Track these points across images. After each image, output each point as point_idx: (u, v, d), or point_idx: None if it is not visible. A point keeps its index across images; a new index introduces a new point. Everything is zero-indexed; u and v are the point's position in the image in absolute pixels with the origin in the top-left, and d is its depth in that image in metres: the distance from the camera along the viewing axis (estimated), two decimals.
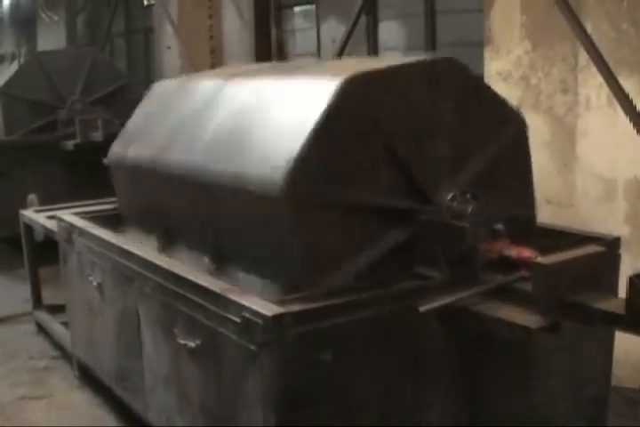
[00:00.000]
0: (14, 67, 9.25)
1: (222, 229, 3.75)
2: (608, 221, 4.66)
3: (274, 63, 4.27)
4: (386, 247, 3.35)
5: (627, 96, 4.12)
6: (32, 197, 7.61)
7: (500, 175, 3.68)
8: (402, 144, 3.36)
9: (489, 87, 3.80)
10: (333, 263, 3.24)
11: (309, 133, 3.17)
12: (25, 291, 6.49)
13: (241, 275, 3.61)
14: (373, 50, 7.38)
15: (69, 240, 4.89)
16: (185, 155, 3.99)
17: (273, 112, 3.60)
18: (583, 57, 4.63)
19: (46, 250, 5.79)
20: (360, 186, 3.29)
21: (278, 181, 3.15)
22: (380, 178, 3.35)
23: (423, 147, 3.44)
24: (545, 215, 4.02)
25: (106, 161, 4.87)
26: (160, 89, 4.98)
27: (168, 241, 4.21)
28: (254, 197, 3.32)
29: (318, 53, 8.33)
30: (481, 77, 3.72)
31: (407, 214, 3.39)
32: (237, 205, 3.52)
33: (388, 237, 3.37)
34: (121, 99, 8.95)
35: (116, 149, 4.80)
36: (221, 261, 3.78)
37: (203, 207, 3.84)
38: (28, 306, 6.46)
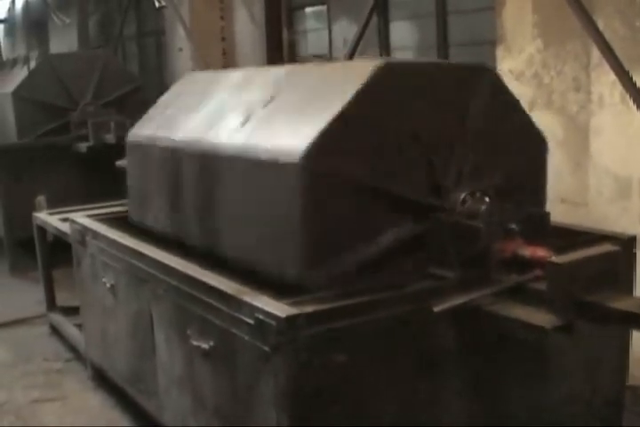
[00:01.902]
0: (26, 70, 9.25)
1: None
2: (623, 219, 4.63)
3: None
4: (398, 237, 3.34)
5: None
6: (40, 198, 7.62)
7: (516, 182, 3.69)
8: (426, 137, 3.37)
9: (517, 99, 3.80)
10: (341, 245, 3.22)
11: (339, 109, 3.19)
12: (39, 293, 6.50)
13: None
14: (385, 50, 7.36)
15: (83, 242, 4.90)
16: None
17: (304, 92, 3.63)
18: (595, 55, 4.61)
19: (60, 252, 5.80)
20: (380, 170, 3.29)
21: (299, 150, 3.16)
22: (402, 168, 3.35)
23: (447, 146, 3.45)
24: (559, 214, 4.00)
25: (119, 163, 4.87)
26: (190, 78, 4.99)
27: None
28: (274, 167, 3.31)
29: (330, 54, 8.32)
30: (509, 90, 3.73)
31: (422, 209, 3.38)
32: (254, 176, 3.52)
33: (401, 227, 3.35)
34: (133, 101, 8.96)
35: (146, 131, 4.76)
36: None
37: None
38: (42, 308, 6.48)
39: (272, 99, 3.76)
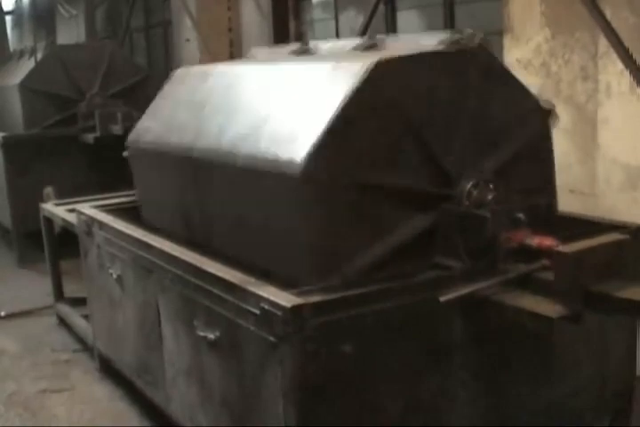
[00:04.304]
0: (33, 61, 9.25)
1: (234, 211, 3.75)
2: (632, 209, 4.61)
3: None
4: (405, 236, 3.31)
5: None
6: (49, 190, 7.63)
7: (522, 163, 3.66)
8: (426, 129, 3.33)
9: (513, 75, 3.76)
10: (348, 251, 3.20)
11: (333, 115, 3.14)
12: (47, 284, 6.51)
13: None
14: None
15: (89, 233, 4.90)
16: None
17: (296, 93, 3.61)
18: (603, 44, 4.58)
19: (68, 243, 5.80)
20: (383, 168, 3.25)
21: (297, 161, 3.13)
22: (405, 161, 3.31)
23: (448, 132, 3.41)
24: (567, 204, 3.98)
25: (126, 154, 4.86)
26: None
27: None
28: (272, 178, 3.29)
29: None
30: (505, 67, 3.68)
31: (430, 201, 3.36)
32: (252, 187, 3.51)
33: (408, 224, 3.33)
34: (140, 92, 8.94)
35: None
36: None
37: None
38: (50, 299, 6.49)
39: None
